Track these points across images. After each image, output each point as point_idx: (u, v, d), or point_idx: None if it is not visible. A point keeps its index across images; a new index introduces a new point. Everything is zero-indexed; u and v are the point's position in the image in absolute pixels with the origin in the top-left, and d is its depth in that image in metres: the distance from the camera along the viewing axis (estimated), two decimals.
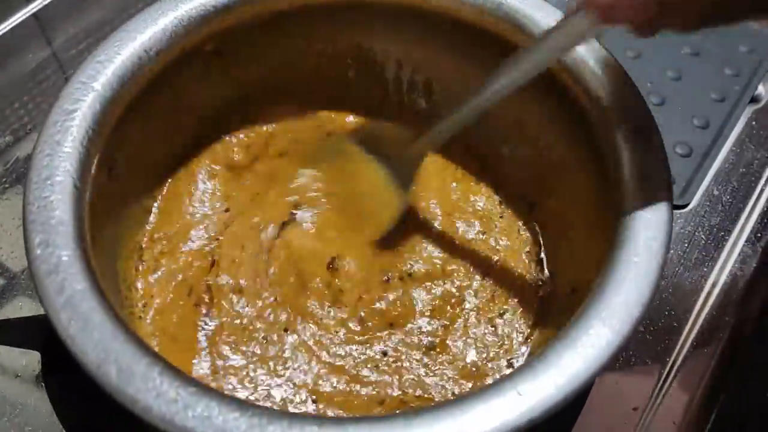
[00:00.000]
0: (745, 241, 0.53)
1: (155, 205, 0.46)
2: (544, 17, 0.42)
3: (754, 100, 0.61)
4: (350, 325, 0.42)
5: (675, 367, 0.47)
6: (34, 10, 0.64)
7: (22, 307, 0.47)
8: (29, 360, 0.44)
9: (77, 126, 0.36)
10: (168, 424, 0.28)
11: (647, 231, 0.33)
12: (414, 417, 0.28)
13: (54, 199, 0.33)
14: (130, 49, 0.39)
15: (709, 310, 0.49)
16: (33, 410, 0.42)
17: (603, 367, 0.30)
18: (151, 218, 0.46)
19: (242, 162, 0.49)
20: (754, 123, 0.59)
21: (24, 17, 0.63)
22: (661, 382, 0.46)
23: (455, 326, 0.42)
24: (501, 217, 0.48)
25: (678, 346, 0.47)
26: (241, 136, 0.50)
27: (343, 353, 0.41)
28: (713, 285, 0.50)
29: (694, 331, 0.48)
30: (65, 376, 0.43)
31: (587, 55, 0.40)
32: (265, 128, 0.50)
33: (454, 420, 0.28)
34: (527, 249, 0.46)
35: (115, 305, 0.32)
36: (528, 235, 0.47)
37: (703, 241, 0.52)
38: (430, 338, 0.42)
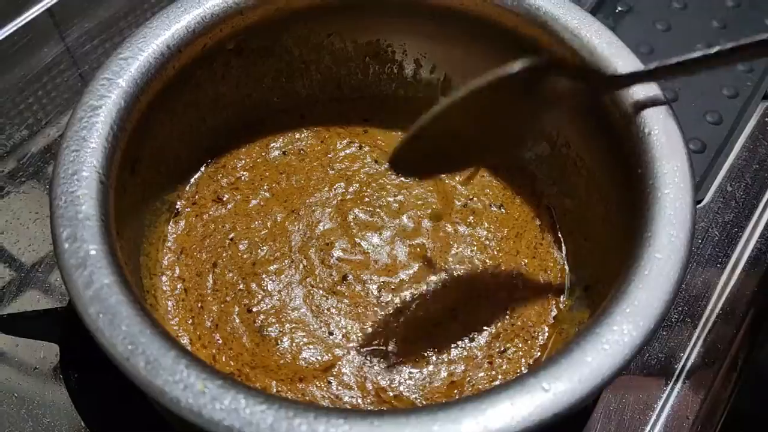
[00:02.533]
0: (759, 237, 0.53)
1: (178, 201, 0.46)
2: (566, 15, 0.42)
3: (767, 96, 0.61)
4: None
5: (689, 364, 0.47)
6: (49, 5, 0.64)
7: (39, 300, 0.47)
8: (47, 352, 0.44)
9: (102, 122, 0.36)
10: (196, 416, 0.28)
11: (670, 228, 0.34)
12: (439, 411, 0.29)
13: (80, 194, 0.34)
14: (153, 46, 0.40)
15: (722, 305, 0.49)
16: (51, 402, 0.43)
17: (627, 362, 0.30)
18: (174, 215, 0.46)
19: (259, 163, 0.49)
20: (767, 119, 0.59)
21: (38, 12, 0.64)
22: (675, 377, 0.46)
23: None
24: (518, 213, 0.48)
25: (692, 343, 0.47)
26: (263, 136, 0.50)
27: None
28: (727, 281, 0.50)
29: (708, 327, 0.48)
30: (83, 368, 0.44)
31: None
32: (287, 131, 0.50)
33: (479, 414, 0.28)
34: (548, 249, 0.46)
35: (140, 298, 0.32)
36: (549, 235, 0.47)
37: (717, 237, 0.52)
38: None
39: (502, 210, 0.48)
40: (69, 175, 0.34)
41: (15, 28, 0.62)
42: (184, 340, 0.41)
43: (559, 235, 0.47)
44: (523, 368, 0.42)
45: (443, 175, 0.49)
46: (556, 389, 0.29)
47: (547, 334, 0.43)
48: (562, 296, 0.45)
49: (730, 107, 0.60)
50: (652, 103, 0.38)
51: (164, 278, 0.43)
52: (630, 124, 0.38)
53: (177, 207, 0.46)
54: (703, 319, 0.49)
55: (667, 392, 0.45)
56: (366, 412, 0.29)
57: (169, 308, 0.42)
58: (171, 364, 0.29)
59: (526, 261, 0.46)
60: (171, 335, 0.31)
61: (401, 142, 0.38)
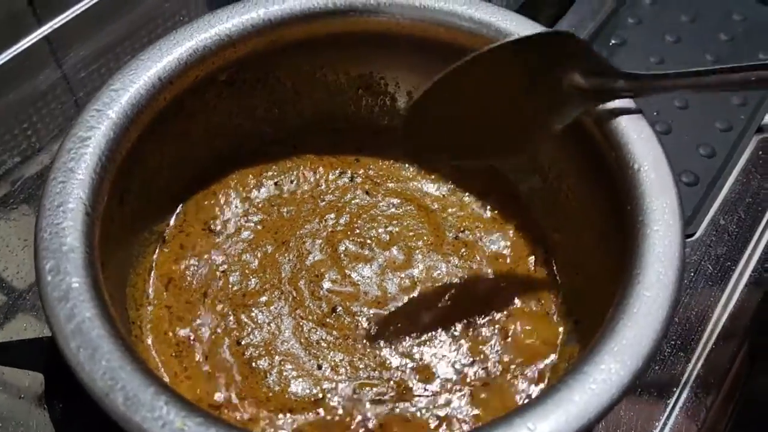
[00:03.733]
0: (752, 272, 0.52)
1: (166, 231, 0.46)
2: None
3: (761, 129, 0.61)
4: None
5: (682, 398, 0.46)
6: (46, 32, 0.64)
7: (26, 328, 0.46)
8: (32, 381, 0.44)
9: (91, 153, 0.36)
10: None
11: (658, 265, 0.33)
12: None
13: (66, 226, 0.33)
14: (144, 78, 0.40)
15: (716, 338, 0.49)
16: (35, 431, 0.42)
17: (614, 402, 0.30)
18: (162, 245, 0.46)
19: (251, 193, 0.49)
20: (760, 153, 0.59)
21: (35, 39, 0.64)
22: (667, 412, 0.45)
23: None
24: (510, 245, 0.48)
25: (685, 376, 0.47)
26: (255, 166, 0.50)
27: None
28: (720, 314, 0.50)
29: (701, 362, 0.48)
30: (68, 397, 0.43)
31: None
32: (279, 161, 0.50)
33: None
34: (540, 282, 0.46)
35: (123, 332, 0.32)
36: (541, 268, 0.47)
37: (710, 271, 0.52)
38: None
39: (495, 243, 0.47)
40: (55, 207, 0.34)
41: (12, 55, 0.63)
42: (171, 371, 0.41)
43: (551, 269, 0.47)
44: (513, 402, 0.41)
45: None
46: (542, 429, 0.29)
47: (537, 369, 0.42)
48: (554, 330, 0.44)
49: (723, 140, 0.60)
50: (641, 137, 0.38)
51: (150, 308, 0.43)
52: (619, 159, 0.38)
53: (165, 236, 0.46)
54: (697, 353, 0.48)
55: (660, 426, 0.45)
56: None
57: (155, 340, 0.42)
58: (150, 399, 0.29)
59: (518, 293, 0.45)
60: (152, 371, 0.30)
61: (408, 110, 0.37)
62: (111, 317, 0.32)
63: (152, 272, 0.44)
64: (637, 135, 0.39)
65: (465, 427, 0.39)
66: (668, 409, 0.45)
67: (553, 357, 0.42)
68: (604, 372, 0.30)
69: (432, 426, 0.39)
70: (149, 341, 0.41)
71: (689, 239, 0.54)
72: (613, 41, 0.67)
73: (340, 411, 0.40)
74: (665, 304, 0.32)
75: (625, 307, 0.33)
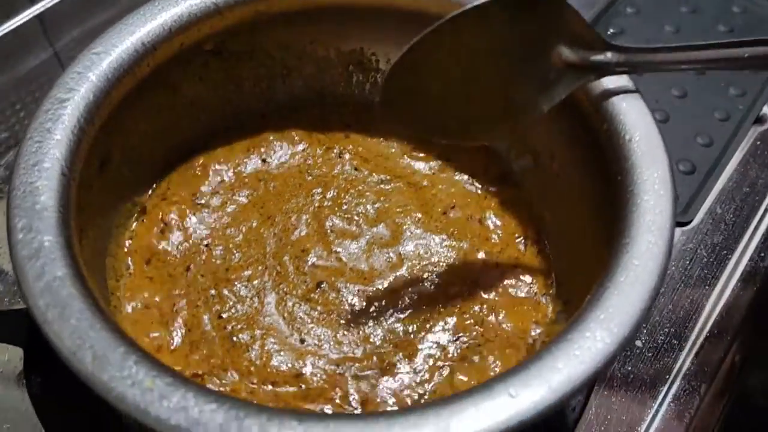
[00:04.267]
0: (748, 260, 0.52)
1: (149, 203, 0.45)
2: None
3: (759, 120, 0.60)
4: None
5: (674, 386, 0.45)
6: (38, 11, 0.64)
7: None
8: (11, 355, 0.43)
9: (69, 114, 0.36)
10: (142, 413, 0.27)
11: (648, 235, 0.32)
12: (399, 417, 0.27)
13: (40, 185, 0.33)
14: (127, 43, 0.39)
15: (710, 328, 0.48)
16: (12, 407, 0.41)
17: (598, 370, 0.29)
18: (145, 217, 0.45)
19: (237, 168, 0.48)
20: (758, 143, 0.59)
21: (27, 18, 0.63)
22: (660, 399, 0.45)
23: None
24: (499, 228, 0.47)
25: (678, 364, 0.46)
26: (241, 141, 0.49)
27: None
28: (715, 303, 0.49)
29: (695, 349, 0.47)
30: (48, 373, 0.42)
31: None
32: (267, 136, 0.50)
33: (440, 420, 0.27)
34: (530, 262, 0.45)
35: (95, 294, 0.31)
36: (532, 248, 0.46)
37: (705, 259, 0.51)
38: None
39: (485, 221, 0.46)
40: (30, 166, 0.33)
41: (2, 33, 0.62)
42: (150, 343, 0.40)
43: (542, 248, 0.46)
44: None
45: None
46: (523, 396, 0.28)
47: (525, 349, 0.41)
48: (543, 310, 0.43)
49: (721, 130, 0.59)
50: (633, 110, 0.38)
51: (130, 279, 0.42)
52: (611, 131, 0.37)
53: (147, 208, 0.45)
54: (690, 342, 0.48)
55: (651, 415, 0.44)
56: (322, 416, 0.28)
57: (135, 310, 0.41)
58: (119, 359, 0.28)
59: (507, 273, 0.44)
60: (123, 331, 0.30)
61: (391, 69, 0.36)
62: (83, 277, 0.31)
63: (133, 244, 0.44)
64: (628, 106, 0.38)
65: None
66: (660, 397, 0.45)
67: (540, 335, 0.41)
68: (589, 340, 0.29)
69: (414, 401, 0.38)
70: (128, 310, 0.40)
71: (686, 227, 0.53)
72: (611, 30, 0.66)
73: (323, 385, 0.39)
74: (654, 274, 0.31)
75: (613, 276, 0.32)
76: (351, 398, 0.38)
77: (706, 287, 0.50)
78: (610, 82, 0.39)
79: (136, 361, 0.28)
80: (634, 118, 0.37)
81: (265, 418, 0.27)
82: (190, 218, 0.45)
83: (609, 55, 0.38)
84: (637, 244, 0.32)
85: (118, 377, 0.27)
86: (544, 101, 0.39)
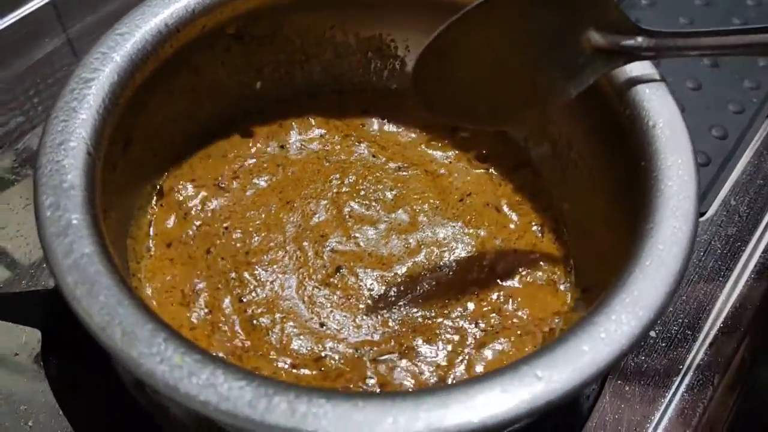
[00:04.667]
0: (762, 252, 0.52)
1: (170, 185, 0.46)
2: None
3: None
4: None
5: (688, 377, 0.45)
6: None
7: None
8: (29, 338, 0.43)
9: (94, 94, 0.36)
10: (172, 389, 0.27)
11: (673, 220, 0.33)
12: (427, 395, 0.27)
13: (66, 164, 0.33)
14: (151, 24, 0.39)
15: (723, 319, 0.48)
16: (29, 389, 0.41)
17: (623, 353, 0.29)
18: (166, 199, 0.45)
19: (256, 153, 0.48)
20: None
21: (41, 4, 0.63)
22: (673, 390, 0.45)
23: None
24: (517, 216, 0.47)
25: (691, 355, 0.46)
26: (260, 126, 0.49)
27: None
28: (729, 295, 0.49)
29: (708, 340, 0.47)
30: (65, 355, 0.43)
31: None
32: (285, 122, 0.50)
33: (468, 399, 0.27)
34: (547, 250, 0.45)
35: (122, 271, 0.31)
36: (549, 235, 0.46)
37: (719, 251, 0.51)
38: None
39: (501, 208, 0.47)
40: (56, 145, 0.33)
41: (17, 19, 0.62)
42: (173, 323, 0.40)
43: (560, 236, 0.46)
44: None
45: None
46: (549, 377, 0.28)
47: (542, 336, 0.42)
48: (561, 298, 0.43)
49: (735, 122, 0.59)
50: (657, 97, 0.38)
51: (151, 261, 0.42)
52: (634, 117, 0.37)
53: (167, 191, 0.45)
54: (704, 333, 0.48)
55: (664, 405, 0.44)
56: (351, 394, 0.28)
57: (155, 292, 0.41)
58: (148, 336, 0.28)
59: (524, 261, 0.44)
60: (151, 308, 0.30)
61: (420, 56, 0.35)
62: (110, 254, 0.31)
63: (154, 226, 0.44)
64: (651, 93, 0.38)
65: None
66: (674, 388, 0.45)
67: (558, 323, 0.41)
68: (614, 323, 0.30)
69: (432, 384, 0.38)
70: (149, 292, 0.41)
71: (700, 218, 0.53)
72: None
73: (343, 367, 0.39)
74: (679, 258, 0.31)
75: (638, 260, 0.32)
76: (369, 381, 0.38)
77: (720, 279, 0.50)
78: (632, 68, 0.39)
79: (165, 338, 0.28)
80: (658, 104, 0.37)
81: (293, 395, 0.27)
82: (210, 201, 0.45)
83: (640, 39, 0.38)
84: (662, 229, 0.32)
85: (147, 353, 0.28)
86: (572, 86, 0.39)
